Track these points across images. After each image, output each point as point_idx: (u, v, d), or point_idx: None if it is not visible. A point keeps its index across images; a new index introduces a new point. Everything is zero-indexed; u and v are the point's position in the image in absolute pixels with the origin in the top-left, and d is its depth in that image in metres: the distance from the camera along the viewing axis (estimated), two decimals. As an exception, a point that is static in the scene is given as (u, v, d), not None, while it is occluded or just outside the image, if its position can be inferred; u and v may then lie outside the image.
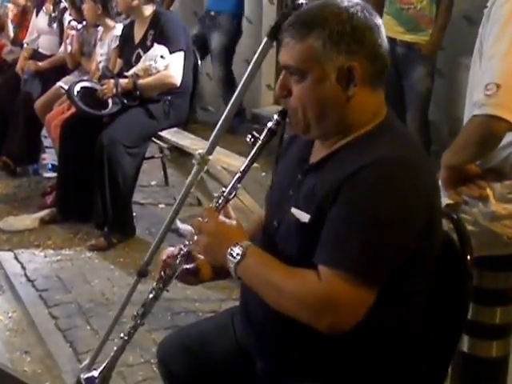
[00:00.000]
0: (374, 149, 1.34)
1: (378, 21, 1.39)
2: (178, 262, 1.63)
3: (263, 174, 3.86)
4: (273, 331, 1.47)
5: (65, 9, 4.54)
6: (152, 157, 4.09)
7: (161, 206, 4.16)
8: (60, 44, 4.60)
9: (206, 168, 2.44)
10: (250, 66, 2.26)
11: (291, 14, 2.17)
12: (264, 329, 1.49)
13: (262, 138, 1.52)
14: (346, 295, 1.28)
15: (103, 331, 2.56)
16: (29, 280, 3.31)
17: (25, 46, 4.82)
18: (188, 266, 1.65)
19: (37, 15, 4.76)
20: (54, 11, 4.63)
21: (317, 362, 1.43)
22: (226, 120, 2.33)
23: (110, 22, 4.14)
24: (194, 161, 2.42)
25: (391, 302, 1.36)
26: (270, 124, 1.51)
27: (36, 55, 4.72)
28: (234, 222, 1.49)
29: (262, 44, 2.24)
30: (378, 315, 1.34)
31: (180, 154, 3.68)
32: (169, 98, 3.72)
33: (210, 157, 2.40)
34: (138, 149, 3.71)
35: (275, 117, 1.50)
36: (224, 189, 1.53)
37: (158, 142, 3.83)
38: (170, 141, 3.75)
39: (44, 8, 4.70)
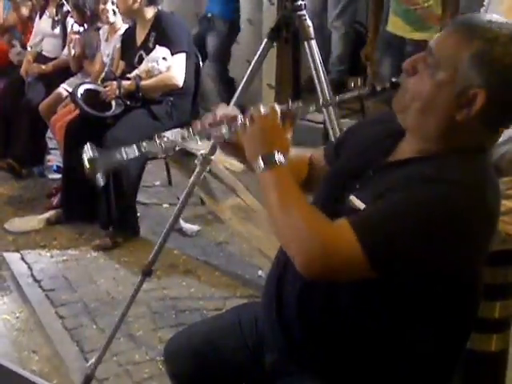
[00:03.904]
0: (461, 169, 1.29)
1: None
2: (223, 127, 1.50)
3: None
4: (303, 327, 1.47)
5: (68, 12, 4.56)
6: (155, 157, 4.12)
7: (165, 205, 4.19)
8: (63, 47, 4.64)
9: (208, 168, 2.48)
10: (251, 66, 2.30)
11: (291, 16, 2.22)
12: (294, 324, 1.48)
13: (361, 87, 1.46)
14: (345, 249, 1.25)
15: (109, 330, 2.59)
16: (35, 280, 3.34)
17: (28, 48, 4.86)
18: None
19: (40, 18, 4.79)
20: (57, 14, 4.65)
21: (333, 362, 1.45)
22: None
23: (118, 22, 4.16)
24: (196, 161, 2.45)
25: (406, 308, 1.38)
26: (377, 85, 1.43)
27: (39, 58, 4.75)
28: (287, 134, 1.44)
29: (263, 45, 2.28)
30: (395, 321, 1.38)
31: (183, 155, 3.70)
32: (171, 99, 3.75)
33: (212, 157, 2.44)
34: (141, 149, 3.74)
35: (387, 84, 1.41)
36: (300, 104, 1.46)
37: (161, 142, 3.85)
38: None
39: (47, 11, 4.73)
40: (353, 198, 1.39)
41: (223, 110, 1.52)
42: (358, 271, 1.26)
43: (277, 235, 1.34)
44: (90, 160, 1.55)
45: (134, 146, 1.53)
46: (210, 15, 5.20)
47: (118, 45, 4.09)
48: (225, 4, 5.14)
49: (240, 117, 1.47)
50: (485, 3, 1.78)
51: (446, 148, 1.34)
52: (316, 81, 2.25)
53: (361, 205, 1.36)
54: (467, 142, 1.34)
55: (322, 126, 3.43)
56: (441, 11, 3.79)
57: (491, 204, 1.30)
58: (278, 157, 1.36)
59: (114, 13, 4.08)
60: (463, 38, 1.29)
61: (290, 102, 1.46)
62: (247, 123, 1.43)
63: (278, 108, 1.44)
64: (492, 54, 1.27)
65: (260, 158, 1.37)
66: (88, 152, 1.54)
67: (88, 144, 1.54)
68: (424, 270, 1.28)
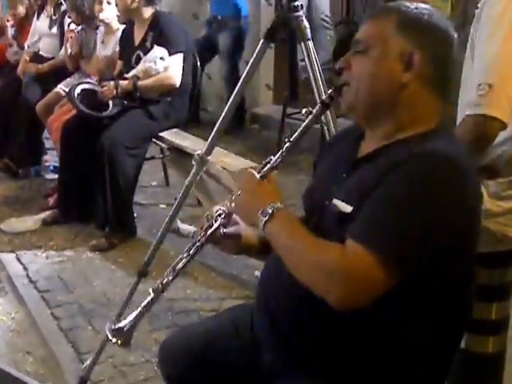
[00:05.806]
0: (428, 145, 1.36)
1: (453, 33, 1.45)
2: (216, 221, 1.58)
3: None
4: (293, 324, 1.47)
5: (65, 12, 4.56)
6: (152, 157, 4.11)
7: (162, 206, 4.19)
8: (60, 47, 4.63)
9: (204, 168, 2.47)
10: (248, 67, 2.29)
11: (287, 16, 2.21)
12: (284, 321, 1.49)
13: (314, 110, 1.52)
14: (367, 270, 1.27)
15: (105, 331, 2.58)
16: (31, 281, 3.33)
17: (26, 48, 4.85)
18: (228, 230, 1.62)
19: (38, 18, 4.79)
20: (54, 14, 4.65)
21: (328, 362, 1.45)
22: (224, 121, 2.36)
23: (115, 23, 4.15)
24: (193, 162, 2.44)
25: (405, 301, 1.38)
26: (324, 97, 1.52)
27: (37, 58, 4.74)
28: (272, 185, 1.48)
29: (259, 45, 2.27)
30: (392, 315, 1.37)
31: (180, 155, 3.70)
32: (168, 99, 3.75)
33: (209, 157, 2.43)
34: (138, 150, 3.74)
35: (329, 91, 1.51)
36: (272, 157, 1.52)
37: (158, 142, 3.86)
38: (170, 141, 3.78)
39: (45, 11, 4.73)
40: (336, 201, 1.42)
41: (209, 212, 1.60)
42: (383, 282, 1.28)
43: (300, 279, 1.36)
44: None
45: None
46: (219, 17, 5.31)
47: (117, 48, 4.08)
48: (235, 6, 5.30)
49: (226, 203, 1.54)
50: (479, 5, 1.77)
51: (408, 130, 1.41)
52: (313, 82, 2.24)
53: (345, 207, 1.39)
54: (423, 118, 1.41)
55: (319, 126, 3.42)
56: (448, 12, 3.78)
57: (470, 170, 1.37)
58: (275, 207, 1.40)
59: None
60: (382, 16, 1.45)
61: (271, 157, 1.51)
62: (232, 200, 1.49)
63: (252, 170, 1.49)
64: (410, 18, 1.42)
65: (259, 216, 1.41)
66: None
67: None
68: (436, 250, 1.31)
